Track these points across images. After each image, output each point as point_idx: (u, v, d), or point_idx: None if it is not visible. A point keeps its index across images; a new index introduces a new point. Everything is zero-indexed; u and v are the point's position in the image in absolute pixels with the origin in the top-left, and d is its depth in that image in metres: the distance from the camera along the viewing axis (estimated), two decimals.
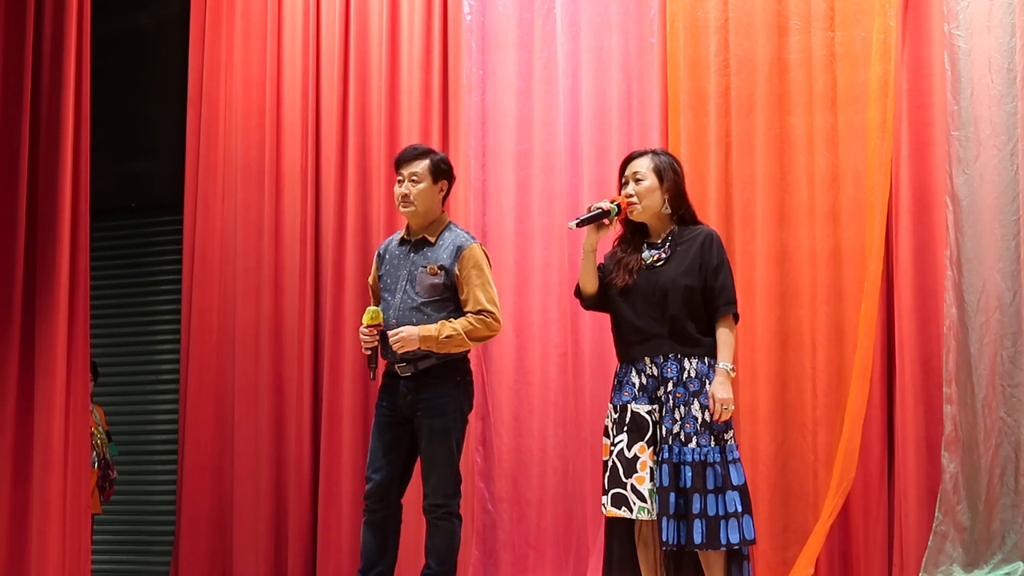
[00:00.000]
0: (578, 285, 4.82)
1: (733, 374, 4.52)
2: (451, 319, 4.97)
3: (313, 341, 6.81)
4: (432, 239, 5.08)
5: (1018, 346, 5.54)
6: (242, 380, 6.92)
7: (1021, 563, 5.42)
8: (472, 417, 6.31)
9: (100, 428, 7.55)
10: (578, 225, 4.69)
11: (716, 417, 4.46)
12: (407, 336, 4.89)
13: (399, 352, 4.92)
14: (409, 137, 6.67)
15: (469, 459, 6.39)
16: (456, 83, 6.68)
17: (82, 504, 6.05)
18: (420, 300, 5.00)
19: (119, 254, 8.10)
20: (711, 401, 4.46)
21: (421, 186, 5.07)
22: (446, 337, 4.92)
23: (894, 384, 5.81)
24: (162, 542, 7.68)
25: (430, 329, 4.91)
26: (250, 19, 7.20)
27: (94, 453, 7.38)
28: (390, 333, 4.94)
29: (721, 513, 4.42)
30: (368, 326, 4.98)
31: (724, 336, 4.55)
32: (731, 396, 4.48)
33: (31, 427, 5.88)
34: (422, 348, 4.91)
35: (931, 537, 5.57)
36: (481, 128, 6.56)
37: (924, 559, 5.57)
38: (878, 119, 5.72)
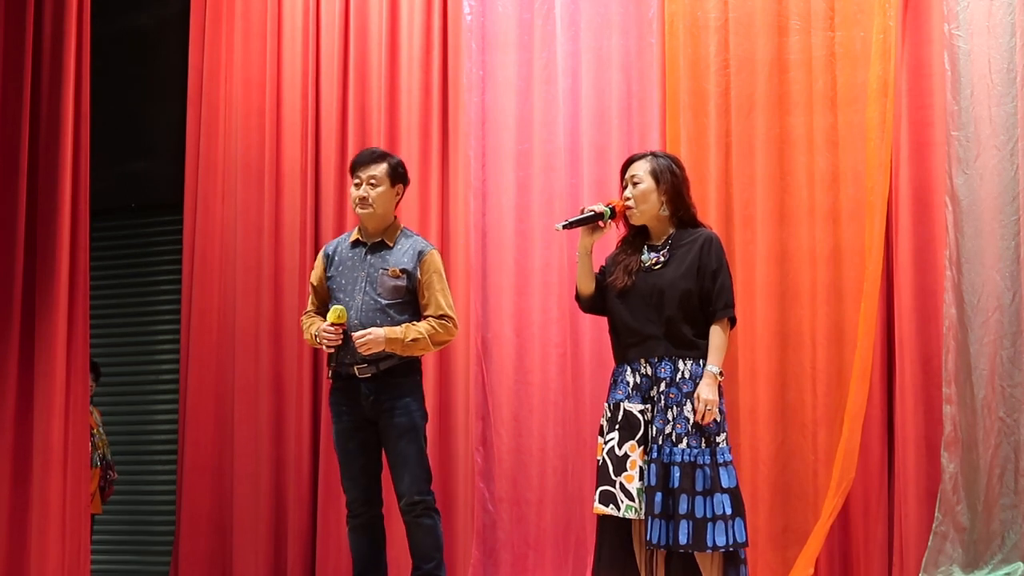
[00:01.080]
0: (577, 288, 4.82)
1: (720, 378, 4.51)
2: (414, 323, 5.01)
3: None
4: (390, 243, 5.12)
5: (1017, 346, 5.54)
6: (242, 380, 6.92)
7: (1021, 563, 5.42)
8: (472, 417, 6.37)
9: (101, 429, 7.56)
10: (565, 227, 4.70)
11: (699, 417, 4.45)
12: (374, 338, 4.92)
13: (365, 354, 4.93)
14: (409, 137, 6.68)
15: (469, 459, 6.39)
16: (456, 83, 6.67)
17: (82, 504, 6.05)
18: (384, 302, 5.03)
19: (119, 254, 8.10)
20: (696, 401, 4.46)
21: (380, 189, 5.11)
22: (411, 340, 4.98)
23: (894, 384, 5.81)
24: (162, 542, 7.68)
25: (396, 331, 4.96)
26: (250, 19, 7.20)
27: (96, 454, 7.40)
28: (355, 335, 4.95)
29: (709, 515, 4.40)
30: (333, 324, 4.98)
31: (716, 339, 4.54)
32: (716, 399, 4.46)
33: (31, 427, 5.88)
34: (386, 350, 4.94)
35: (931, 537, 5.57)
36: (481, 128, 6.55)
37: (924, 559, 5.57)
38: (878, 119, 5.72)
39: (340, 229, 6.80)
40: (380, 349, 4.94)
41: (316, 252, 6.85)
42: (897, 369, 5.78)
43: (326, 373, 6.61)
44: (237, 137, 7.13)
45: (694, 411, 4.47)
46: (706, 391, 4.45)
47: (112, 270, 8.08)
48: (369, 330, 4.94)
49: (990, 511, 5.53)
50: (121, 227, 8.11)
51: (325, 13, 7.00)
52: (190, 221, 7.20)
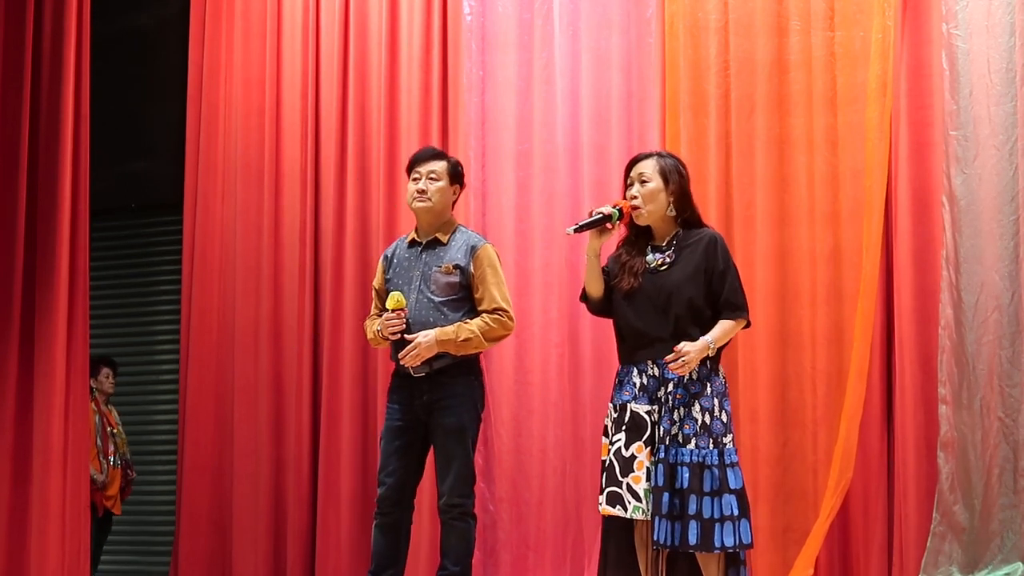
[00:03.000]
0: (584, 290, 4.80)
1: (711, 352, 4.47)
2: (467, 320, 4.98)
3: (313, 341, 6.81)
4: (444, 239, 5.08)
5: (1016, 346, 5.54)
6: (242, 380, 6.92)
7: (1020, 563, 5.42)
8: None
9: (120, 427, 7.59)
10: (576, 231, 4.66)
11: (670, 359, 4.40)
12: (424, 343, 4.88)
13: (415, 364, 4.91)
14: (409, 137, 6.67)
15: None
16: (456, 83, 6.67)
17: (82, 504, 6.06)
18: (438, 299, 4.99)
19: (119, 254, 8.11)
20: (679, 350, 4.40)
21: (440, 184, 5.08)
22: (464, 340, 4.92)
23: (893, 384, 5.81)
24: (162, 542, 7.68)
25: (448, 332, 4.91)
26: (250, 19, 7.20)
27: (117, 454, 7.45)
28: (401, 354, 4.91)
29: (716, 516, 4.40)
30: (393, 310, 4.94)
31: (724, 324, 4.52)
32: (696, 358, 4.40)
33: (31, 427, 5.89)
34: (439, 351, 4.91)
35: (930, 538, 5.57)
36: (481, 128, 6.55)
37: (923, 560, 5.57)
38: (877, 119, 5.72)
39: (340, 229, 6.80)
40: (431, 354, 4.91)
41: (316, 252, 6.89)
42: (896, 369, 5.78)
43: (328, 370, 6.70)
44: (237, 137, 7.13)
45: (703, 412, 4.46)
46: (691, 346, 4.40)
47: (112, 270, 8.08)
48: (417, 339, 4.90)
49: (989, 511, 5.53)
50: (121, 227, 8.11)
51: (325, 13, 7.00)
52: (190, 221, 7.20)
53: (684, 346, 4.40)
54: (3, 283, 5.93)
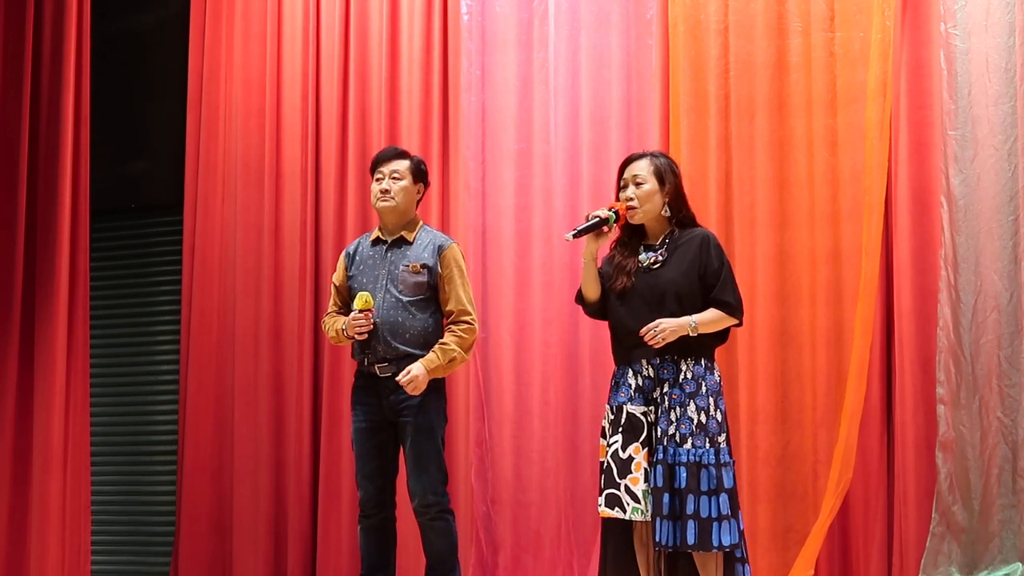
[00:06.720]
0: (579, 293, 4.81)
1: (692, 332, 4.49)
2: (443, 341, 4.99)
3: (313, 341, 6.81)
4: (410, 238, 5.11)
5: (1015, 347, 5.54)
6: (242, 380, 6.92)
7: (1020, 564, 5.42)
8: (472, 417, 6.36)
9: None
10: (575, 236, 4.67)
11: (643, 332, 4.44)
12: (419, 376, 4.91)
13: (416, 393, 4.93)
14: (409, 137, 6.67)
15: (468, 459, 6.39)
16: (455, 83, 6.68)
17: (82, 504, 6.07)
18: (406, 299, 5.02)
19: (119, 254, 8.10)
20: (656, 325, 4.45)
21: (402, 183, 5.12)
22: (450, 361, 4.99)
23: (893, 385, 5.81)
24: (162, 542, 7.67)
25: (433, 360, 4.96)
26: (250, 19, 7.20)
27: None
28: (400, 381, 4.92)
29: (714, 515, 4.41)
30: (361, 310, 4.97)
31: (712, 311, 4.54)
32: (672, 334, 4.45)
33: (31, 427, 5.91)
34: (432, 377, 4.95)
35: (929, 538, 5.57)
36: (480, 128, 6.55)
37: (923, 560, 5.57)
38: (876, 119, 5.72)
39: (340, 229, 6.80)
40: (425, 385, 4.93)
41: (316, 252, 6.89)
42: (896, 370, 5.79)
43: (329, 370, 6.70)
44: (237, 137, 7.12)
45: (699, 411, 4.47)
46: (668, 322, 4.45)
47: (112, 270, 8.07)
48: (410, 373, 4.91)
49: (988, 511, 5.53)
50: (121, 227, 8.10)
51: (325, 13, 7.00)
52: (190, 221, 7.20)
53: (661, 322, 4.44)
54: (3, 283, 5.94)
